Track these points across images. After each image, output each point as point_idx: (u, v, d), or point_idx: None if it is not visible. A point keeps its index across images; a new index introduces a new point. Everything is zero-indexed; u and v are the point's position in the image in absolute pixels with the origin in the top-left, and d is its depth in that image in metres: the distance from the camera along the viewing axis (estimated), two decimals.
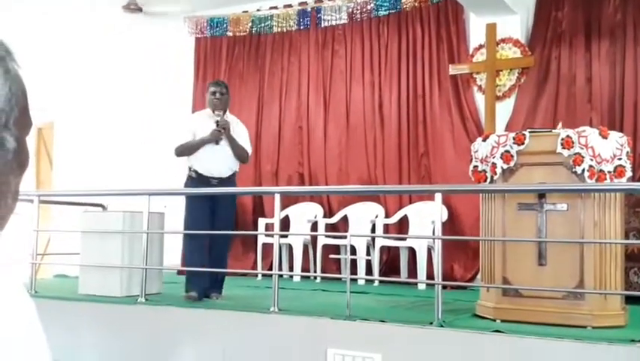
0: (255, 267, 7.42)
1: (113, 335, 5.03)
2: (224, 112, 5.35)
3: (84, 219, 5.72)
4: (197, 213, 5.24)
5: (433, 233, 5.22)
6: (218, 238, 5.24)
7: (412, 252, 6.68)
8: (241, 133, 5.41)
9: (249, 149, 5.47)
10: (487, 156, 4.24)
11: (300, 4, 8.02)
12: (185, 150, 5.28)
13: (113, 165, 8.60)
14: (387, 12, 7.44)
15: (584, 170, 3.89)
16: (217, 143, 5.25)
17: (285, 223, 7.24)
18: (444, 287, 4.59)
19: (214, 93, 5.32)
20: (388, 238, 6.82)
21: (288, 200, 7.40)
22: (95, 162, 8.80)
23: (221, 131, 5.22)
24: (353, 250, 6.56)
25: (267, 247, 7.09)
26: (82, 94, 9.21)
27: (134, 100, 8.80)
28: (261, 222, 7.30)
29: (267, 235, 7.04)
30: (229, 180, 5.32)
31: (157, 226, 5.49)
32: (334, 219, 7.26)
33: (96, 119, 9.09)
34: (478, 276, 5.15)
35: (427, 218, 6.48)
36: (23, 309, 0.75)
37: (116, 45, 8.91)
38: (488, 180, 4.25)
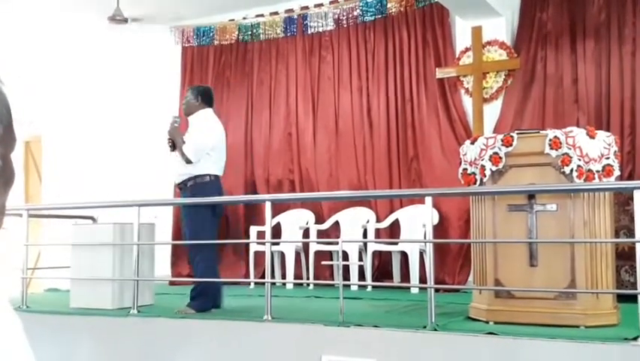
0: (247, 275, 7.41)
1: (106, 347, 5.00)
2: (187, 115, 5.32)
3: (74, 232, 5.69)
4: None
5: (425, 237, 5.22)
6: (190, 253, 5.19)
7: (404, 256, 6.68)
8: (191, 134, 5.21)
9: (188, 148, 5.06)
10: (475, 159, 4.25)
11: (287, 11, 8.03)
12: None
13: (102, 177, 8.56)
14: (373, 17, 7.47)
15: (572, 170, 3.91)
16: (171, 149, 5.24)
17: (277, 230, 7.22)
18: (436, 290, 4.59)
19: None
20: (380, 242, 6.82)
21: (279, 207, 7.39)
22: (84, 175, 8.76)
23: (169, 138, 5.21)
24: (345, 256, 6.56)
25: (259, 255, 7.07)
26: (69, 106, 9.18)
27: (121, 111, 8.77)
28: (253, 230, 7.29)
29: (258, 243, 7.03)
30: (185, 187, 5.17)
31: (147, 237, 5.47)
32: (326, 225, 7.25)
33: (84, 131, 9.05)
34: (470, 278, 5.16)
35: (418, 222, 6.49)
36: (8, 325, 0.74)
37: (102, 57, 8.89)
38: (478, 182, 4.26)
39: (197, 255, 5.08)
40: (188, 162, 5.06)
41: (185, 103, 5.36)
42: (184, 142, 5.11)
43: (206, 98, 5.32)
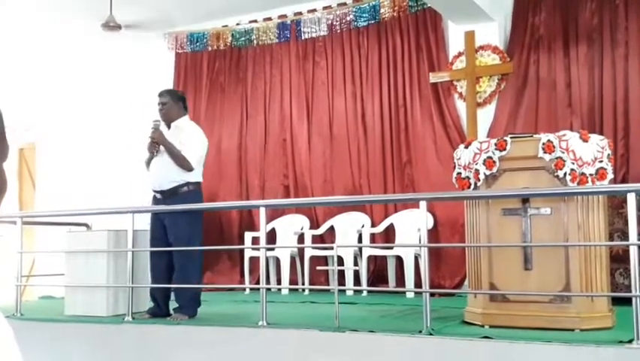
0: (242, 281, 7.40)
1: (101, 355, 4.98)
2: (169, 121, 5.14)
3: (68, 239, 5.67)
4: (153, 232, 5.13)
5: (420, 241, 5.23)
6: (176, 258, 4.98)
7: (399, 260, 6.68)
8: (185, 140, 5.03)
9: (190, 155, 4.98)
10: (469, 163, 4.26)
11: (280, 16, 8.04)
12: (146, 167, 5.19)
13: (96, 184, 8.54)
14: (366, 23, 7.48)
15: (565, 173, 3.92)
16: (154, 154, 5.06)
17: (272, 236, 7.23)
18: (432, 295, 4.59)
19: (158, 105, 5.20)
20: (375, 247, 6.82)
21: (274, 213, 7.40)
22: (78, 182, 8.74)
23: (154, 143, 5.03)
24: (340, 261, 6.56)
25: (254, 261, 7.07)
26: (63, 113, 9.17)
27: (114, 118, 8.76)
28: (248, 235, 7.28)
29: (253, 249, 7.02)
30: (175, 194, 5.00)
31: (142, 244, 5.44)
32: (321, 231, 7.25)
33: (78, 138, 9.04)
34: (466, 282, 5.16)
35: (412, 226, 6.50)
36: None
37: (95, 63, 8.88)
38: (472, 186, 4.27)
39: (190, 261, 5.02)
40: (190, 169, 4.98)
41: (167, 108, 5.14)
42: (176, 148, 4.99)
43: (185, 105, 5.28)
